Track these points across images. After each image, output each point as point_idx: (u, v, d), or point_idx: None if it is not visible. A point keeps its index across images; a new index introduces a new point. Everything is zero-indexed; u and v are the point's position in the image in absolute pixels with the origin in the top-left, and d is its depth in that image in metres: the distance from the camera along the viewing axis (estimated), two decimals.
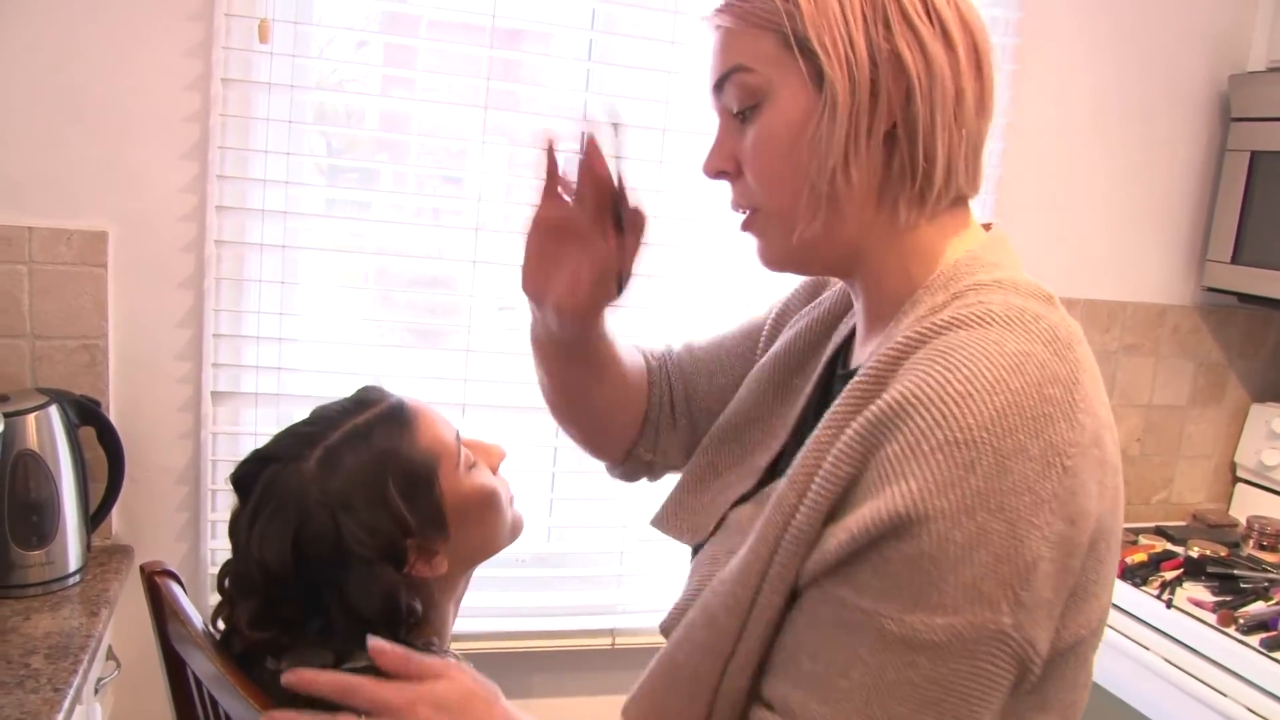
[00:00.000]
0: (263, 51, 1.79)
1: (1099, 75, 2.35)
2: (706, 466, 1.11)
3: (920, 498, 0.72)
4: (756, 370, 1.11)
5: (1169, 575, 2.13)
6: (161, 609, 1.25)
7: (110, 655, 1.75)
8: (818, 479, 0.79)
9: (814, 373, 1.03)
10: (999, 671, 0.73)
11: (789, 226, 0.88)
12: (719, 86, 0.90)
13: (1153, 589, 2.07)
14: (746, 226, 0.93)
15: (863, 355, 0.94)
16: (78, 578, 1.70)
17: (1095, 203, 2.41)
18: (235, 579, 1.15)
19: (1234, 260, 2.35)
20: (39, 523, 1.64)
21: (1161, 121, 2.41)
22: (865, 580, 0.75)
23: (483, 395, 2.03)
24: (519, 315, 2.13)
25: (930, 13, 0.83)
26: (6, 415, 1.56)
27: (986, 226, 0.92)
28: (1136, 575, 2.12)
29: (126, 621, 1.78)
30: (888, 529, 0.73)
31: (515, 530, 1.28)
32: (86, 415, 1.73)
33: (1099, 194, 2.41)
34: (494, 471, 1.27)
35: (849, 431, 0.78)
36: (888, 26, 0.81)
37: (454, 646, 2.02)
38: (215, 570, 1.91)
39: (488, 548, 1.24)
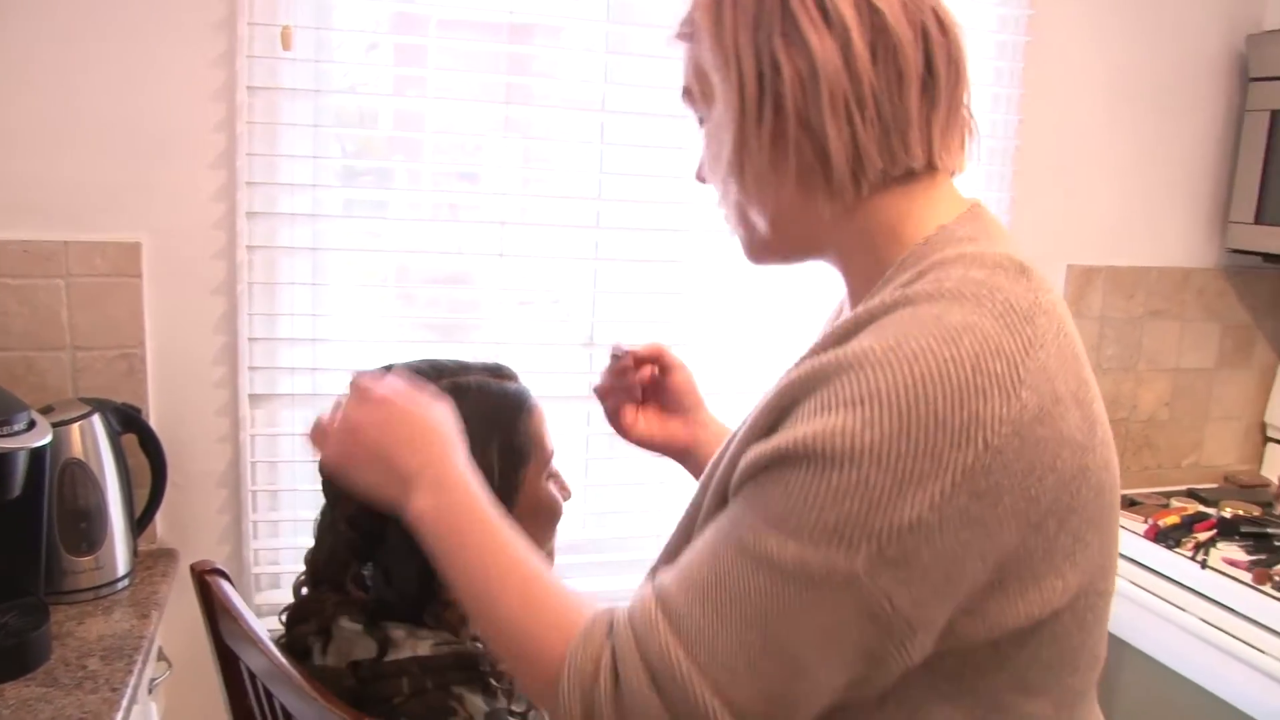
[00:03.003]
0: (286, 58, 1.82)
1: (1114, 41, 2.35)
2: None
3: (813, 438, 0.74)
4: None
5: (1202, 536, 2.13)
6: (213, 607, 1.28)
7: (161, 656, 1.79)
8: (749, 420, 0.84)
9: None
10: (841, 618, 0.74)
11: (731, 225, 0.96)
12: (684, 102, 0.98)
13: (1186, 550, 2.08)
14: (726, 222, 1.00)
15: None
16: (127, 582, 1.74)
17: (1116, 170, 2.41)
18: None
19: (1257, 221, 2.35)
20: (88, 529, 1.68)
21: (1179, 85, 2.41)
22: (748, 496, 0.80)
23: None
24: (539, 309, 2.17)
25: (823, 4, 0.84)
26: (52, 426, 1.59)
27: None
28: (1170, 538, 2.12)
29: (175, 623, 1.82)
30: (778, 457, 0.77)
31: (547, 560, 1.32)
32: (128, 422, 1.76)
33: (1119, 161, 2.41)
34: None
35: (782, 383, 0.81)
36: (773, 32, 0.84)
37: None
38: (259, 570, 1.97)
39: None
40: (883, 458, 0.72)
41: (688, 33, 0.93)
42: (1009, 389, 0.74)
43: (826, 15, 0.83)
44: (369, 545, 1.18)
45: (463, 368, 1.24)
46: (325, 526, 1.23)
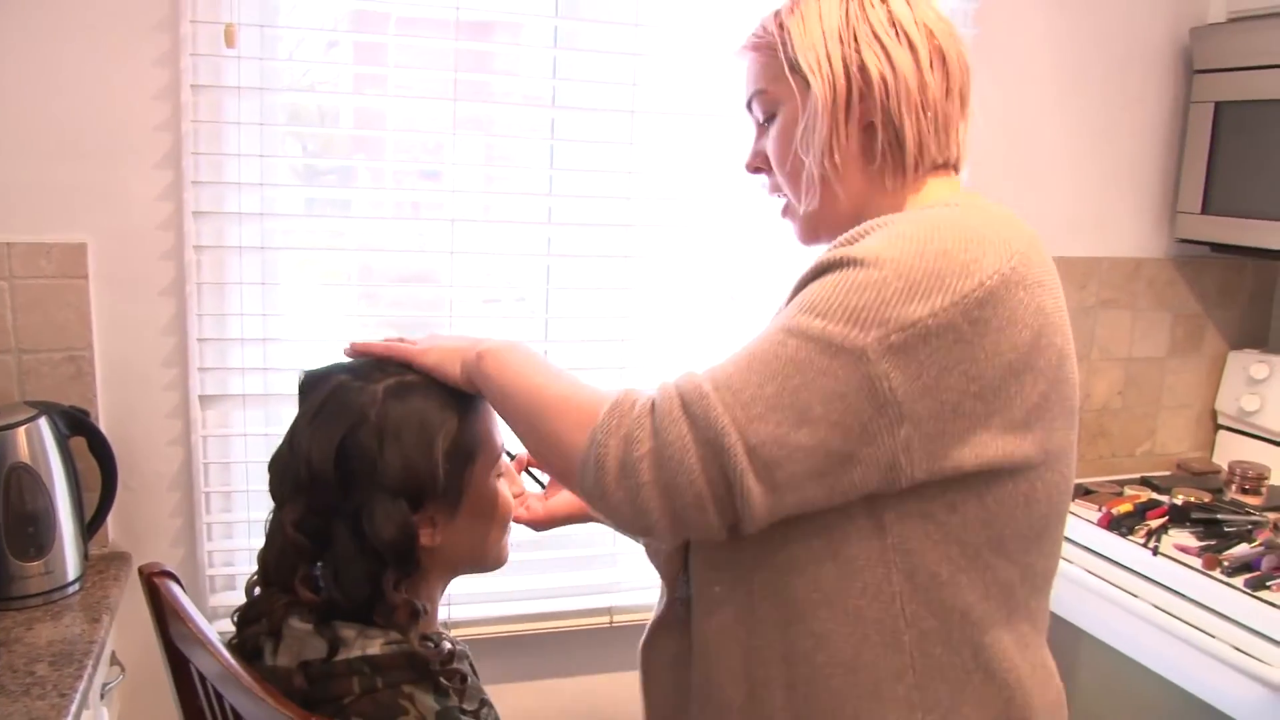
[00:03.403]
0: (230, 56, 1.80)
1: (1061, 34, 2.37)
2: None
3: (847, 253, 0.98)
4: None
5: (1154, 523, 2.16)
6: (162, 609, 1.27)
7: (114, 661, 1.77)
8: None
9: None
10: (847, 386, 0.93)
11: (798, 207, 1.15)
12: (749, 105, 1.19)
13: (1139, 538, 2.10)
14: (783, 212, 1.22)
15: None
16: (77, 586, 1.72)
17: (1065, 164, 2.43)
18: (285, 474, 1.19)
19: (1204, 211, 2.38)
20: (35, 534, 1.66)
21: (1125, 78, 2.44)
22: (795, 301, 1.00)
23: None
24: (504, 306, 2.16)
25: (895, 25, 1.08)
26: None
27: None
28: (1123, 525, 2.15)
29: (128, 627, 1.80)
30: (820, 267, 1.01)
31: (500, 558, 1.32)
32: (76, 425, 1.74)
33: (1068, 155, 2.43)
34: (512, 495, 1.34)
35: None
36: (858, 42, 1.07)
37: (454, 633, 2.04)
38: (213, 572, 1.95)
39: (477, 554, 1.28)
40: (899, 268, 0.94)
41: (764, 43, 1.13)
42: (1001, 254, 0.96)
43: (898, 32, 1.08)
44: (316, 547, 1.17)
45: (407, 367, 1.23)
46: (274, 527, 1.22)
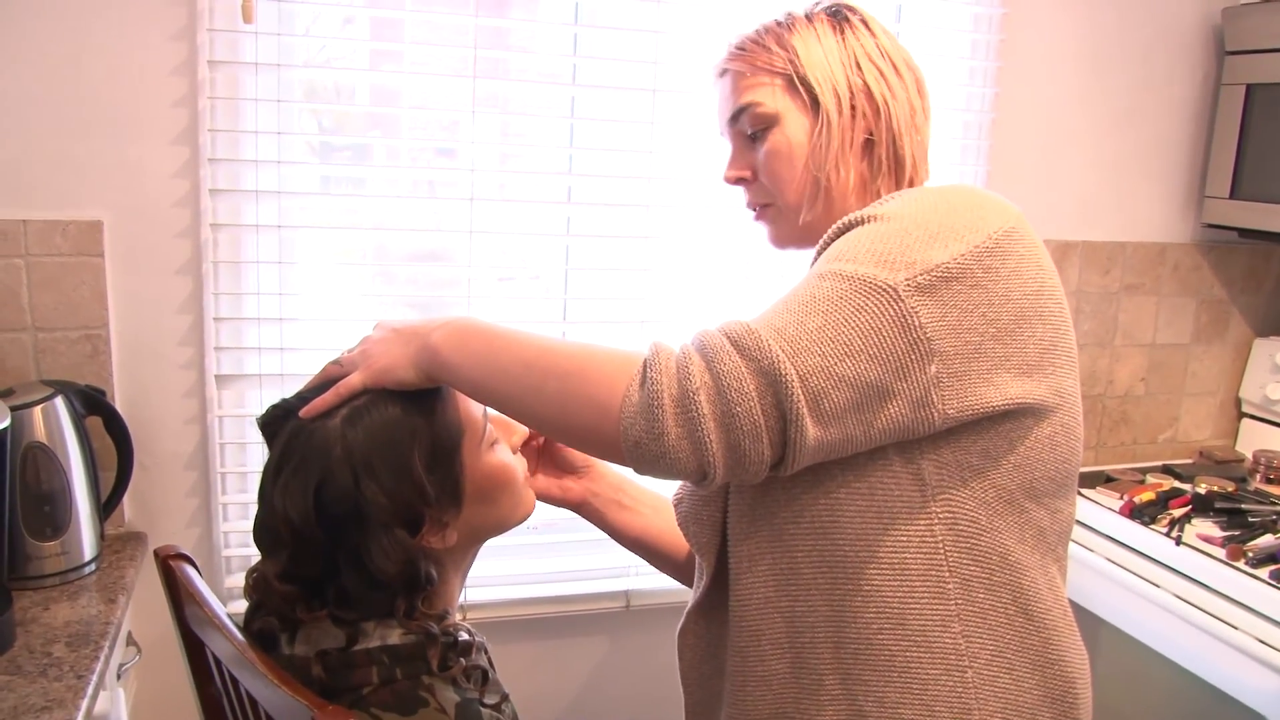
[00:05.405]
0: (247, 32, 1.78)
1: (1091, 14, 2.33)
2: None
3: (865, 212, 1.07)
4: None
5: (1177, 513, 2.14)
6: (177, 592, 1.26)
7: (130, 641, 1.77)
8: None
9: None
10: (882, 322, 0.97)
11: (796, 214, 1.21)
12: (735, 118, 1.23)
13: (1161, 527, 2.08)
14: (760, 218, 1.27)
15: None
16: (93, 566, 1.72)
17: (1091, 144, 2.40)
18: (263, 532, 1.14)
19: (1232, 195, 2.34)
20: (51, 514, 1.65)
21: (1155, 58, 2.40)
22: (821, 258, 1.07)
23: None
24: (519, 285, 2.14)
25: (884, 55, 1.20)
26: (12, 409, 1.56)
27: None
28: (1145, 514, 2.13)
29: (144, 607, 1.80)
30: (844, 225, 1.08)
31: (525, 512, 1.28)
32: (92, 405, 1.73)
33: (1095, 135, 2.40)
34: (514, 450, 1.29)
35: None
36: (859, 67, 1.18)
37: (471, 616, 2.04)
38: (229, 553, 1.94)
39: (499, 525, 1.24)
40: (918, 220, 1.03)
41: (762, 60, 1.20)
42: (1001, 215, 1.06)
43: (889, 60, 1.20)
44: (309, 589, 1.11)
45: (355, 395, 1.14)
46: (260, 580, 1.13)
